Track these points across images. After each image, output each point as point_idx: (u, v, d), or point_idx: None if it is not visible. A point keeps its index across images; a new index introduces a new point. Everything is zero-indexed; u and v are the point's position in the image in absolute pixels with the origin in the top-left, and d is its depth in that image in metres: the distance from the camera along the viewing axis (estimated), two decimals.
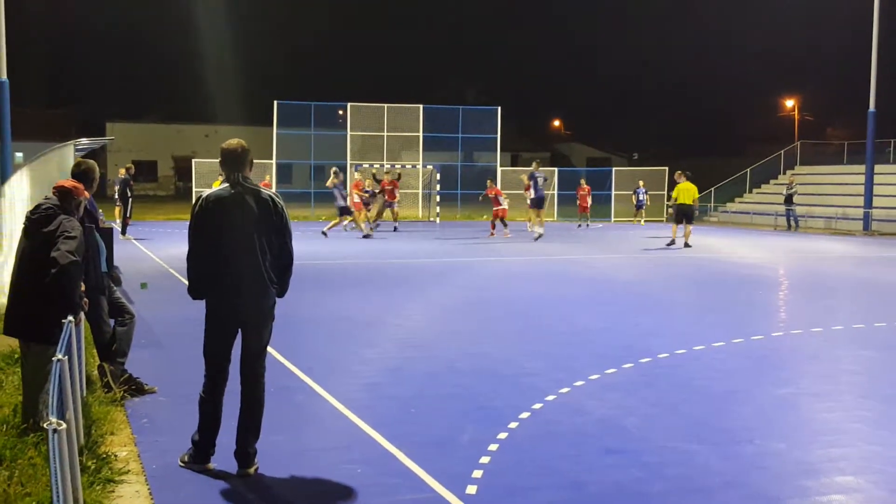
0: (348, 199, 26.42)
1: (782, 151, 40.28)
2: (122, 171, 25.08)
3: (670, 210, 29.26)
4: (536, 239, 24.14)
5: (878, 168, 32.13)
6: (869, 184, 31.17)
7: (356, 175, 27.55)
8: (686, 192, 22.53)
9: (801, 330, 10.68)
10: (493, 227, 27.01)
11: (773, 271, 18.12)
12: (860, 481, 5.43)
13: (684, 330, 10.60)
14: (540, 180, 24.35)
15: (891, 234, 29.71)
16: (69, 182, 6.23)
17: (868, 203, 31.09)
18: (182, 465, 5.50)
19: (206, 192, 5.52)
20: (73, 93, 68.78)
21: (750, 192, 39.44)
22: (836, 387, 7.92)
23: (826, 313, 12.25)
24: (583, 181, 32.96)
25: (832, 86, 66.34)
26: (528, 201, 24.89)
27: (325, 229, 24.87)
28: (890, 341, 10.20)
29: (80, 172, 6.76)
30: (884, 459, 5.88)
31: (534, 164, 25.69)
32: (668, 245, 22.84)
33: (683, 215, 22.65)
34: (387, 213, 28.37)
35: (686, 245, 22.47)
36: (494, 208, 26.67)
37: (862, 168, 32.42)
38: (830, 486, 5.33)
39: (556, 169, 39.45)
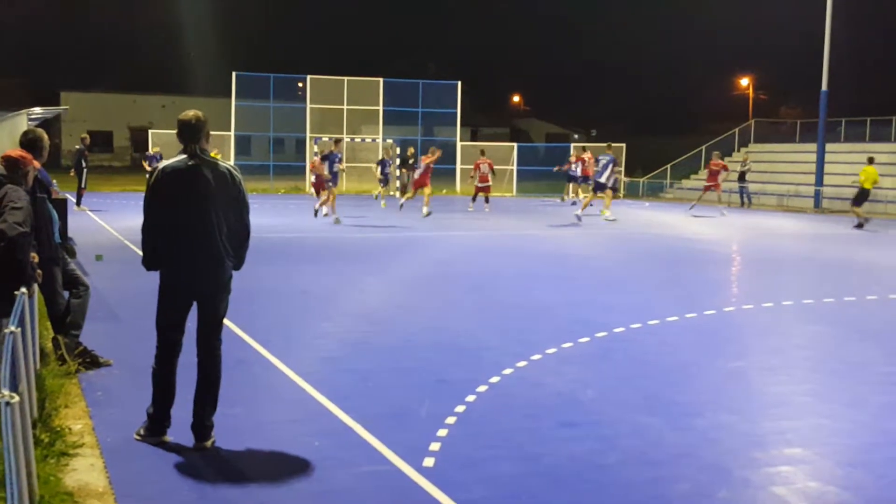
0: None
1: (737, 129, 40.75)
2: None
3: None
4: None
5: (829, 147, 32.67)
6: (820, 162, 31.71)
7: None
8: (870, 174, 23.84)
9: (753, 305, 10.87)
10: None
11: (725, 247, 18.40)
12: (808, 453, 5.57)
13: (639, 305, 10.73)
14: (601, 164, 22.84)
15: (841, 211, 30.23)
16: (16, 152, 6.10)
17: (819, 181, 31.63)
18: (137, 438, 5.46)
19: (164, 163, 5.45)
20: (27, 61, 66.98)
21: (704, 168, 39.83)
22: (785, 361, 8.09)
23: (777, 289, 12.49)
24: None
25: (786, 65, 67.11)
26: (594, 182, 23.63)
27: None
28: (838, 316, 10.43)
29: (27, 141, 6.59)
30: (830, 431, 6.04)
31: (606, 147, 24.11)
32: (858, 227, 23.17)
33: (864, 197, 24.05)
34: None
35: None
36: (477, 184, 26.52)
37: (814, 147, 32.97)
38: (779, 458, 5.47)
39: (515, 144, 39.54)
